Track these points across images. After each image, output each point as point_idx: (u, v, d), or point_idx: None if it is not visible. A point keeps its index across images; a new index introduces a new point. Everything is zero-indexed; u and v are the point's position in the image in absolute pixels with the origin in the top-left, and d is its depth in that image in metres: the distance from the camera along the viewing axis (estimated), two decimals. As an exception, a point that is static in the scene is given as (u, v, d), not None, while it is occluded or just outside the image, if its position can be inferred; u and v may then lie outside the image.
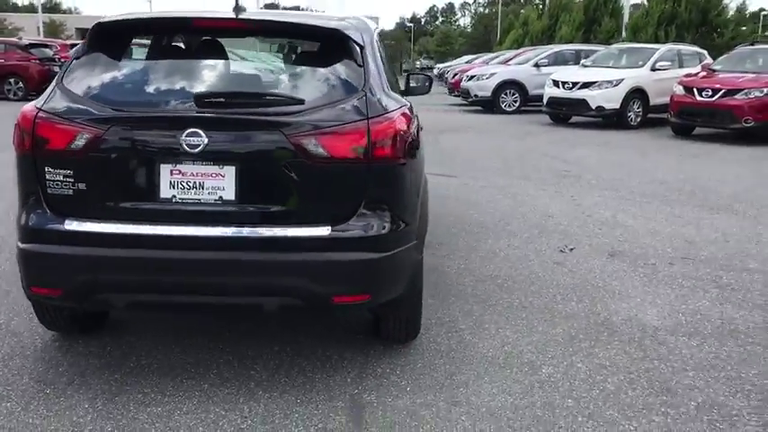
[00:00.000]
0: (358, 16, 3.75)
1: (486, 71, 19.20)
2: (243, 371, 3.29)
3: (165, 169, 2.86)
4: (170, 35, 3.45)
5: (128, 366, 3.31)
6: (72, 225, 2.88)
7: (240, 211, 2.89)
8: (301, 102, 2.94)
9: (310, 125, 2.86)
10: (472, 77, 19.08)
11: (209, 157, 2.84)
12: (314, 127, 2.86)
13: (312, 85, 3.11)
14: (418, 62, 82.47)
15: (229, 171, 2.87)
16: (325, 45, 3.36)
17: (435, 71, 42.08)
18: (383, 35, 4.37)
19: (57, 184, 2.89)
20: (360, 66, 3.13)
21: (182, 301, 2.96)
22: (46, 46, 21.09)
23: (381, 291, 3.04)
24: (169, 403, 2.99)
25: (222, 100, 2.95)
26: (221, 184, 2.87)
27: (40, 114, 2.92)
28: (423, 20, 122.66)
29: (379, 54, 3.43)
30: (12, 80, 19.54)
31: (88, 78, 3.05)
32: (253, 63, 3.46)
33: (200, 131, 2.81)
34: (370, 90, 3.05)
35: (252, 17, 3.29)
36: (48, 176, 2.90)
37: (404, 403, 3.04)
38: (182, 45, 3.60)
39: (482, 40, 77.14)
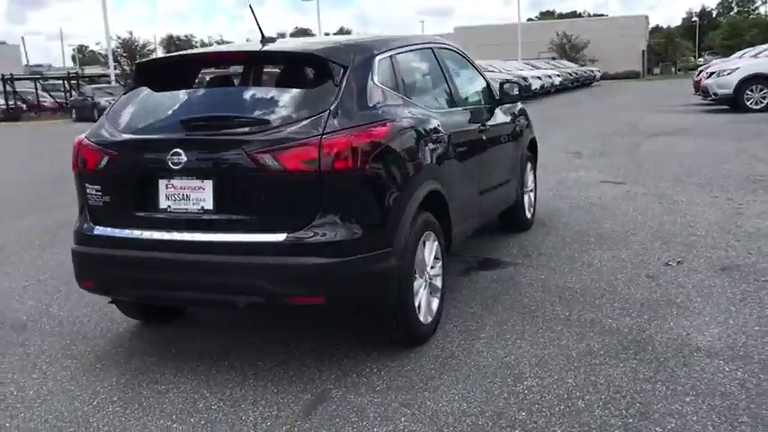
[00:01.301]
0: (374, 37, 4.00)
1: (727, 66, 17.45)
2: (249, 360, 3.70)
3: (162, 184, 3.39)
4: (184, 69, 3.96)
5: (157, 354, 3.90)
6: (98, 230, 3.55)
7: (217, 219, 3.32)
8: (266, 122, 3.30)
9: (269, 142, 3.20)
10: (712, 74, 17.46)
11: (191, 173, 3.32)
12: (271, 144, 3.20)
13: (283, 105, 3.43)
14: (701, 59, 75.34)
15: (208, 185, 3.32)
16: (305, 68, 3.65)
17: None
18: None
19: (93, 198, 3.58)
20: (336, 85, 3.39)
21: (176, 296, 3.48)
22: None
23: (336, 294, 3.26)
24: (170, 383, 3.50)
25: (201, 123, 3.41)
26: (203, 195, 3.33)
27: (83, 141, 3.65)
28: (714, 12, 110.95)
29: (378, 72, 3.64)
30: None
31: (121, 110, 3.72)
32: (241, 88, 3.87)
33: (181, 151, 3.30)
34: (338, 108, 3.30)
35: (238, 48, 3.73)
36: (88, 191, 3.60)
37: (361, 401, 3.21)
38: (200, 75, 4.12)
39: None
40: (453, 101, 4.61)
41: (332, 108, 3.30)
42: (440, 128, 4.01)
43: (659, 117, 15.22)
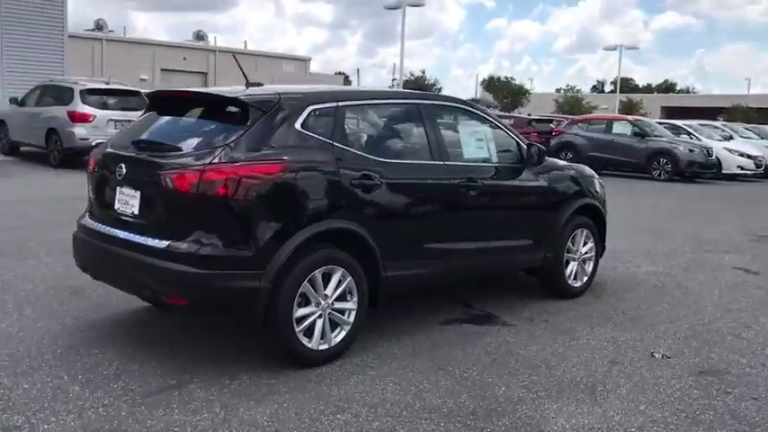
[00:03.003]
0: (330, 89, 4.50)
1: None
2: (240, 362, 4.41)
3: (117, 190, 4.28)
4: (162, 102, 4.76)
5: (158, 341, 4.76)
6: (84, 221, 4.54)
7: (138, 222, 4.10)
8: (179, 149, 4.00)
9: (170, 165, 3.91)
10: None
11: (129, 183, 4.15)
12: (171, 167, 3.90)
13: (198, 137, 4.08)
14: None
15: (138, 194, 4.11)
16: (230, 109, 4.23)
17: None
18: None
19: (89, 195, 4.60)
20: (247, 126, 3.99)
21: (116, 283, 4.32)
22: (549, 121, 23.64)
23: (196, 299, 3.83)
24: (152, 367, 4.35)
25: (142, 145, 4.22)
26: (134, 202, 4.14)
27: (93, 150, 4.69)
28: None
29: (306, 120, 4.15)
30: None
31: (127, 129, 4.68)
32: (181, 121, 4.52)
33: (123, 165, 4.16)
34: (236, 144, 3.89)
35: (187, 90, 4.46)
36: (88, 189, 4.63)
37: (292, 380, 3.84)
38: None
39: None
40: (431, 155, 4.82)
41: (230, 144, 3.90)
42: (372, 175, 4.33)
43: None
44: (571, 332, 5.05)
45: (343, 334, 4.28)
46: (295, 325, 4.02)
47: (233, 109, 4.16)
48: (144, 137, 4.32)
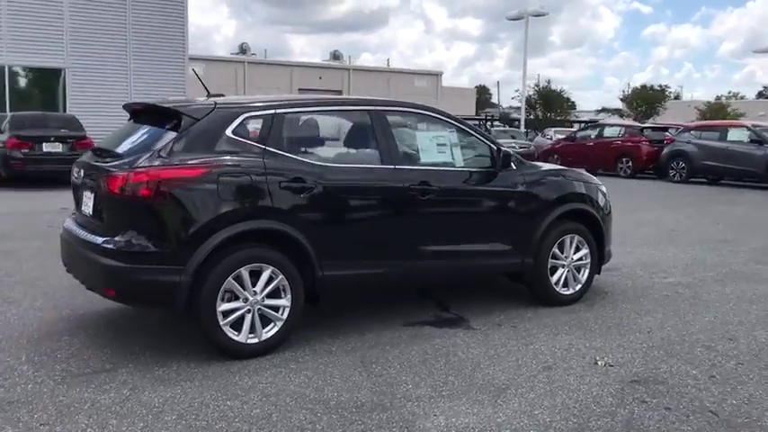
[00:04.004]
0: (269, 98, 4.76)
1: None
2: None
3: (83, 193, 4.78)
4: (131, 113, 5.18)
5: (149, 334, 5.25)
6: (66, 222, 5.08)
7: (91, 222, 4.56)
8: (119, 155, 4.43)
9: (106, 170, 4.34)
10: None
11: (87, 187, 4.63)
12: (107, 171, 4.33)
13: (137, 144, 4.47)
14: None
15: (92, 196, 4.59)
16: (168, 118, 4.55)
17: None
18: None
19: (73, 198, 5.16)
20: (178, 133, 4.35)
21: (78, 278, 4.78)
22: (664, 129, 22.50)
23: (123, 291, 4.22)
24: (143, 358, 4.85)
25: (97, 152, 4.69)
26: (90, 204, 4.61)
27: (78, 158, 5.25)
28: None
29: (238, 127, 4.45)
30: (624, 159, 21.74)
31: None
32: (131, 129, 4.86)
33: (83, 171, 4.66)
34: (162, 149, 4.27)
35: (141, 102, 4.85)
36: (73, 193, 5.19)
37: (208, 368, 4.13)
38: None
39: None
40: (381, 160, 4.94)
41: (158, 149, 4.27)
42: (305, 178, 4.54)
43: None
44: (529, 338, 4.98)
45: (275, 329, 4.50)
46: (220, 318, 4.30)
47: (172, 118, 4.53)
48: (102, 145, 4.79)
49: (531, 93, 45.07)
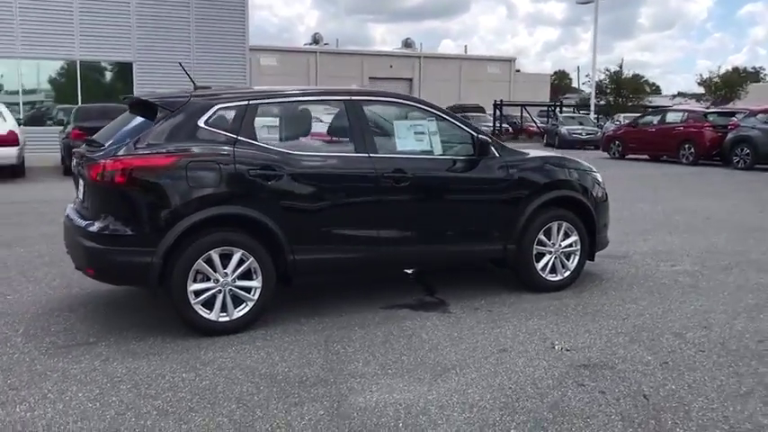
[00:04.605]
0: (243, 90, 5.01)
1: None
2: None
3: (80, 181, 5.17)
4: (129, 106, 5.52)
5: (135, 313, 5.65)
6: (67, 208, 5.48)
7: (83, 207, 4.94)
8: (102, 146, 4.77)
9: (90, 159, 4.70)
10: None
11: (80, 175, 5.02)
12: (89, 160, 4.69)
13: (120, 135, 4.80)
14: None
15: (83, 184, 4.97)
16: (149, 110, 4.86)
17: None
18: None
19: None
20: (155, 123, 4.67)
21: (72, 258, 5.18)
22: (730, 114, 21.65)
23: (100, 270, 4.57)
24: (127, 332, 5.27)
25: (88, 143, 5.06)
26: (82, 190, 5.00)
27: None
28: None
29: (212, 118, 4.73)
30: (686, 146, 21.07)
31: None
32: (119, 121, 5.17)
33: (77, 160, 5.04)
34: (139, 139, 4.60)
35: (132, 96, 5.18)
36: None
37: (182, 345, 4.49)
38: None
39: None
40: (355, 148, 5.12)
41: (136, 140, 4.59)
42: (275, 166, 4.77)
43: None
44: (500, 322, 5.07)
45: (247, 309, 4.77)
46: (191, 297, 4.60)
47: (153, 111, 4.84)
48: (95, 136, 5.16)
49: (602, 78, 43.90)
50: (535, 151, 6.32)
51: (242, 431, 3.38)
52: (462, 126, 5.65)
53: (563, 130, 32.01)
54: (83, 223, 4.72)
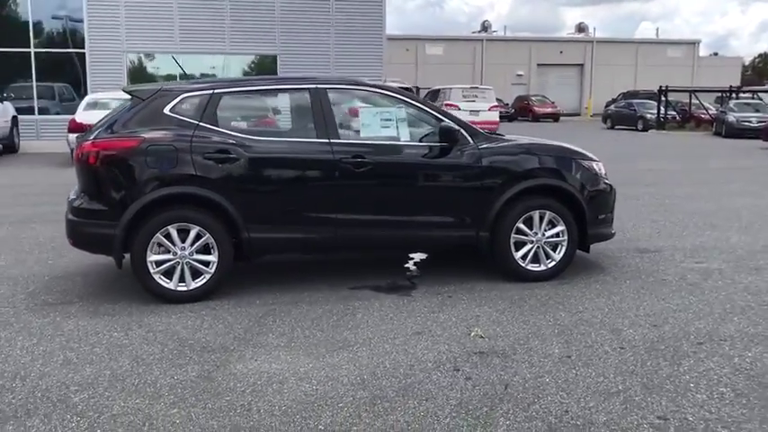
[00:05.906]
0: (209, 81, 5.42)
1: None
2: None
3: (86, 162, 5.90)
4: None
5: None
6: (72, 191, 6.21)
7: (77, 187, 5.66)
8: (90, 131, 5.43)
9: (78, 143, 5.38)
10: None
11: (79, 158, 5.74)
12: (78, 144, 5.37)
13: (105, 122, 5.38)
14: None
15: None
16: (131, 99, 5.42)
17: None
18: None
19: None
20: (128, 111, 5.26)
21: None
22: None
23: (77, 240, 5.24)
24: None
25: (87, 128, 5.73)
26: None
27: None
28: None
29: (176, 105, 5.23)
30: None
31: None
32: (114, 111, 5.72)
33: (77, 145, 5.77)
34: (112, 124, 5.22)
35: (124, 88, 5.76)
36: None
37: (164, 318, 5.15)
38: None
39: None
40: (317, 134, 5.37)
41: (112, 125, 5.21)
42: (231, 149, 5.16)
43: None
44: (446, 308, 5.09)
45: (204, 281, 5.23)
46: (151, 267, 5.13)
47: (130, 99, 5.43)
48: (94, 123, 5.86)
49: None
50: (526, 138, 6.17)
51: (114, 384, 3.80)
52: (433, 114, 5.69)
53: (730, 117, 29.55)
54: (70, 198, 5.41)
